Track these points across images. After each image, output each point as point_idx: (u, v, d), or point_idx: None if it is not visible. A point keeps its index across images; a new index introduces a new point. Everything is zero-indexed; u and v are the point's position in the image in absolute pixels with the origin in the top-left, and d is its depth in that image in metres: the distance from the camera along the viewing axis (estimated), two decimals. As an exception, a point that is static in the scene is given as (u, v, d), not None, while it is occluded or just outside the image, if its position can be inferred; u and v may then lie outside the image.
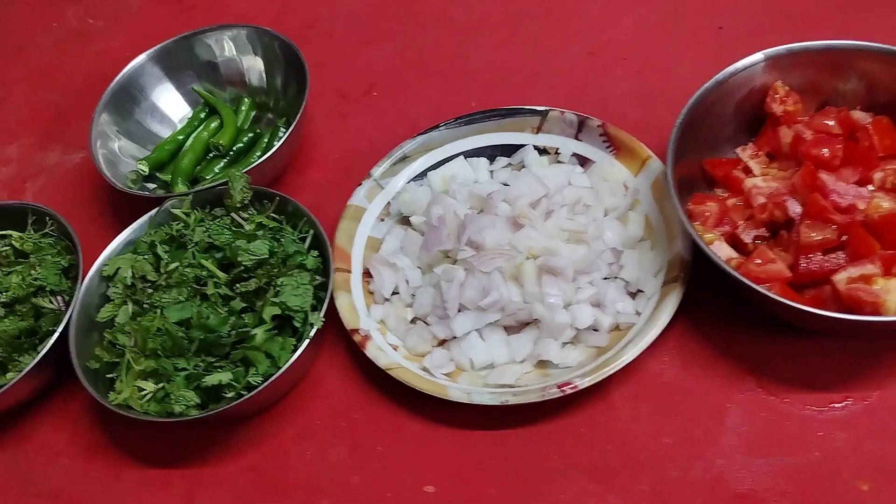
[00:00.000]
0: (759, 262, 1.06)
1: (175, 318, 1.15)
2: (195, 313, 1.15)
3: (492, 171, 1.36)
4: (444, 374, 1.16)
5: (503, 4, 1.66)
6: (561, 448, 1.10)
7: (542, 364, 1.15)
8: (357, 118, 1.55)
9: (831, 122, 1.16)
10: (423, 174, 1.36)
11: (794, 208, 1.09)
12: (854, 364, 1.09)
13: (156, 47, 1.53)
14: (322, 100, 1.58)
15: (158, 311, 1.17)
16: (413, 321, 1.23)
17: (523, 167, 1.34)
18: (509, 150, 1.36)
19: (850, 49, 1.19)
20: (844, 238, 1.06)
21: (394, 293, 1.25)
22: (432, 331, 1.19)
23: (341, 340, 1.24)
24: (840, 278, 1.02)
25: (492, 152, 1.37)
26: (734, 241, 1.14)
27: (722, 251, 1.11)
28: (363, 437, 1.16)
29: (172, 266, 1.21)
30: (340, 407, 1.20)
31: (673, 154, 1.12)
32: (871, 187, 1.12)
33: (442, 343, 1.20)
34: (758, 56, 1.19)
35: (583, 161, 1.32)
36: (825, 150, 1.12)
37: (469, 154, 1.37)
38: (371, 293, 1.26)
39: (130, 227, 1.30)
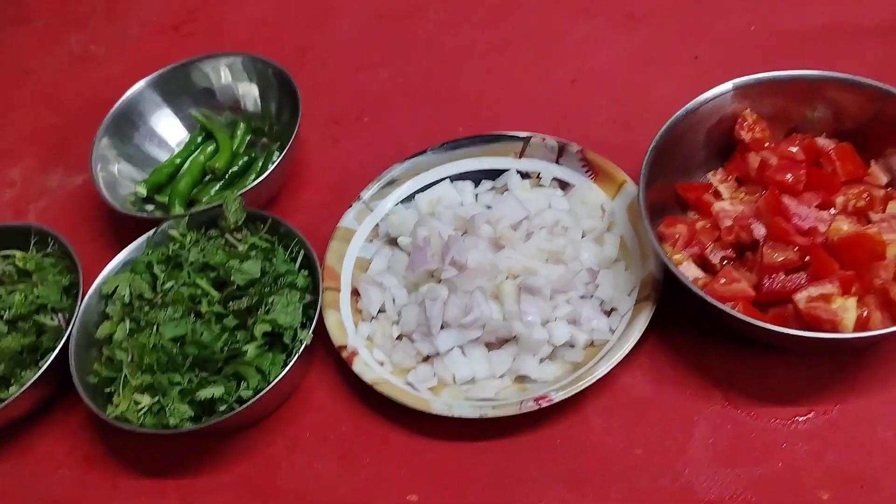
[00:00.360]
0: (724, 281, 1.12)
1: (170, 335, 1.19)
2: (189, 330, 1.19)
3: (477, 195, 1.41)
4: (428, 389, 1.21)
5: (490, 34, 1.72)
6: (537, 458, 1.15)
7: (521, 379, 1.20)
8: (349, 142, 1.61)
9: (795, 149, 1.22)
10: (410, 197, 1.41)
11: (759, 231, 1.14)
12: (816, 379, 1.14)
13: (154, 74, 1.59)
14: (315, 124, 1.63)
15: (154, 328, 1.21)
16: (399, 338, 1.28)
17: (506, 190, 1.39)
18: (494, 174, 1.41)
19: (816, 79, 1.24)
20: (807, 259, 1.11)
21: (381, 311, 1.30)
22: (417, 347, 1.24)
23: (330, 357, 1.28)
24: (801, 297, 1.07)
25: (477, 176, 1.42)
26: (703, 262, 1.19)
27: (690, 271, 1.16)
28: (350, 449, 1.21)
29: (168, 285, 1.26)
30: (329, 420, 1.24)
31: (645, 179, 1.17)
32: (833, 210, 1.17)
33: (426, 359, 1.25)
34: (727, 86, 1.25)
35: (563, 185, 1.38)
36: (789, 176, 1.17)
37: (455, 178, 1.42)
38: (359, 311, 1.31)
39: (128, 247, 1.35)
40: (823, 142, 1.24)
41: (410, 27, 1.78)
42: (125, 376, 1.20)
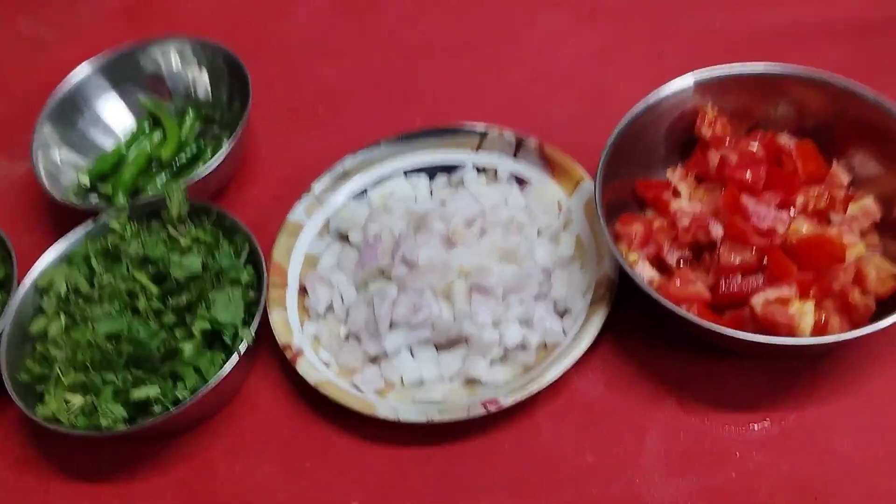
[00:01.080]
0: (680, 283, 1.08)
1: (104, 331, 1.14)
2: (126, 327, 1.14)
3: (432, 190, 1.37)
4: (374, 392, 1.17)
5: (450, 27, 1.68)
6: (485, 465, 1.11)
7: (471, 382, 1.16)
8: (304, 134, 1.56)
9: (756, 146, 1.18)
10: (363, 191, 1.37)
11: (717, 231, 1.10)
12: (773, 385, 1.11)
13: (101, 57, 1.53)
14: (270, 115, 1.58)
15: (90, 323, 1.16)
16: (346, 338, 1.23)
17: (462, 185, 1.35)
18: (450, 168, 1.37)
19: (779, 75, 1.20)
20: (765, 261, 1.08)
21: (329, 310, 1.26)
22: (364, 347, 1.19)
23: (274, 357, 1.24)
24: (757, 300, 1.04)
25: (432, 170, 1.38)
26: (659, 263, 1.15)
27: (645, 272, 1.12)
28: (292, 454, 1.17)
29: (106, 279, 1.21)
30: (271, 423, 1.20)
31: (602, 175, 1.14)
32: (793, 211, 1.14)
33: (374, 360, 1.20)
34: (688, 81, 1.21)
35: (520, 181, 1.34)
36: (748, 174, 1.14)
37: (410, 172, 1.38)
38: (306, 309, 1.26)
39: (66, 238, 1.30)
40: (785, 139, 1.20)
41: (370, 20, 1.73)
42: (57, 374, 1.15)
